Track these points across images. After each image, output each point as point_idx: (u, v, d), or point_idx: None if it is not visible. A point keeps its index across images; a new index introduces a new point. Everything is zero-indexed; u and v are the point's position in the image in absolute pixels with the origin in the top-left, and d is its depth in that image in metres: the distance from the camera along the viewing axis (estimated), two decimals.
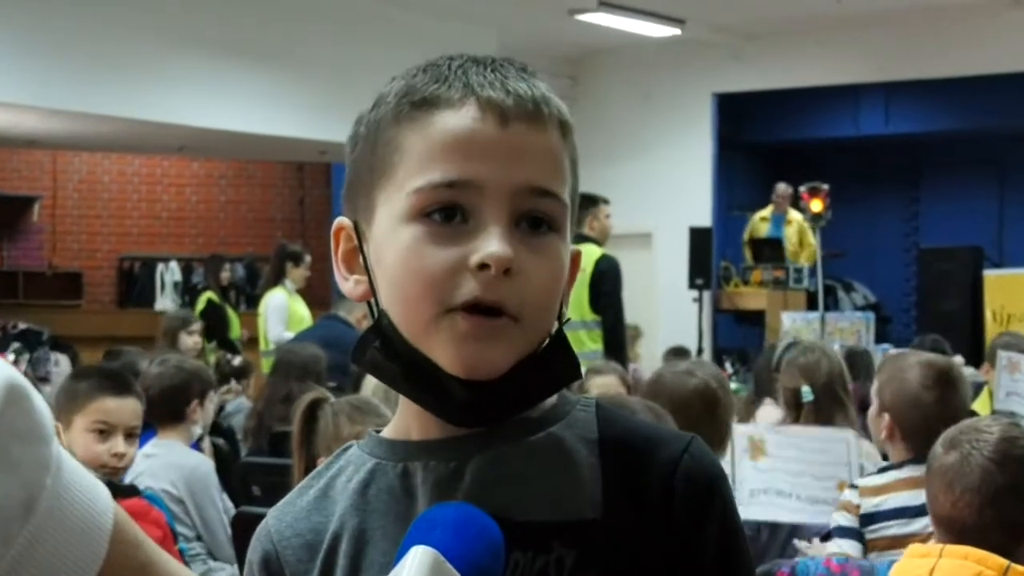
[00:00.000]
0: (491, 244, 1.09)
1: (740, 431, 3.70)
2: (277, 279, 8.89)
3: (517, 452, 1.15)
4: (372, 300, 1.18)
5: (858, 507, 3.35)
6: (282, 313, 8.66)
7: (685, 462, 1.14)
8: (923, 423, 3.25)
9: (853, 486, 3.41)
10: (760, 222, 12.14)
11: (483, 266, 1.09)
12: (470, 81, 1.14)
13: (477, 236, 1.11)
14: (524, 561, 1.11)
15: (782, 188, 11.70)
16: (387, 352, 1.15)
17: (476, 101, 1.13)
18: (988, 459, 2.42)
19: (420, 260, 1.11)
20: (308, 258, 9.04)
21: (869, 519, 3.32)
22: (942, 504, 2.46)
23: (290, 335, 8.42)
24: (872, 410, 3.48)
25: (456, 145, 1.12)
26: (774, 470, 3.64)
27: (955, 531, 2.42)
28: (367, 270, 1.18)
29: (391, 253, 1.14)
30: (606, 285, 7.49)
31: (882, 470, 3.45)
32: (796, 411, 4.20)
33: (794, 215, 11.59)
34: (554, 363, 1.16)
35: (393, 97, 1.17)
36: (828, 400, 4.12)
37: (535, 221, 1.13)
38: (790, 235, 11.73)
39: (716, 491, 1.15)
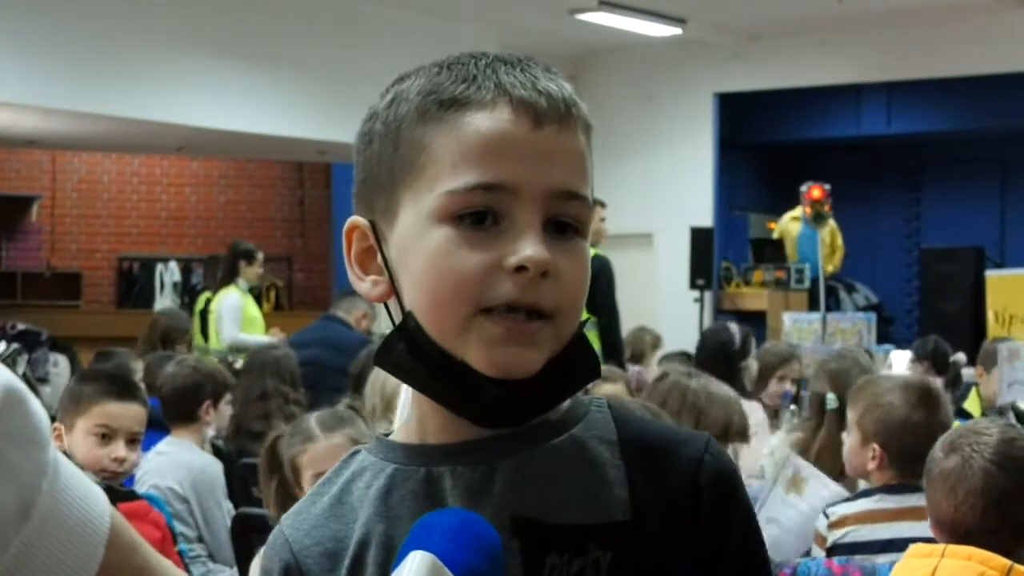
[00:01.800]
0: (528, 247, 1.09)
1: (796, 461, 3.62)
2: (230, 278, 8.79)
3: (543, 455, 1.15)
4: (393, 301, 1.17)
5: (825, 539, 3.29)
6: (237, 313, 8.58)
7: (708, 462, 1.15)
8: (913, 446, 3.15)
9: (825, 514, 3.32)
10: (791, 222, 12.01)
11: (520, 268, 1.09)
12: (501, 81, 1.13)
13: (511, 238, 1.10)
14: (560, 564, 1.10)
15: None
16: (414, 353, 1.14)
17: (509, 102, 1.12)
18: (989, 461, 2.41)
19: (452, 261, 1.10)
20: (261, 256, 9.01)
21: (831, 551, 3.24)
22: (944, 509, 2.44)
23: (245, 336, 8.40)
24: (853, 442, 3.33)
25: (490, 147, 1.11)
26: (793, 508, 3.58)
27: (958, 535, 2.41)
28: (388, 271, 1.17)
29: (419, 254, 1.13)
30: (600, 285, 7.48)
31: (857, 496, 3.37)
32: (819, 416, 4.12)
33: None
34: (577, 362, 1.16)
35: (416, 95, 1.15)
36: None
37: (563, 224, 1.13)
38: (823, 236, 11.52)
39: (738, 490, 1.17)
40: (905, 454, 3.21)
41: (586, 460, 1.15)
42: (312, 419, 3.03)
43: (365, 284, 1.19)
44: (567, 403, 1.18)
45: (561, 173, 1.13)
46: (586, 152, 1.16)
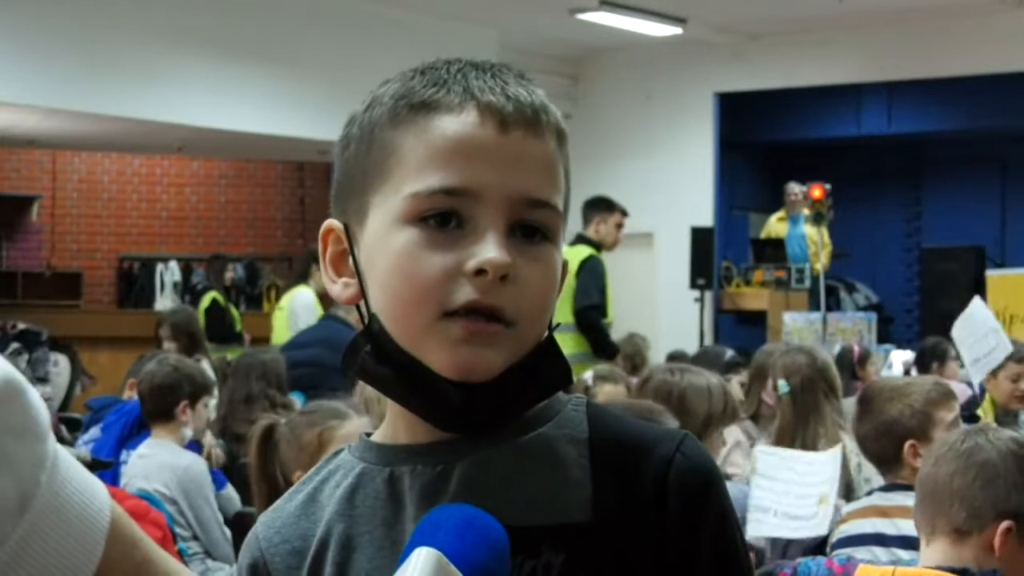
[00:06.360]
0: (488, 250, 1.08)
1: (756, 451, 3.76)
2: (303, 279, 8.89)
3: (505, 454, 1.13)
4: (362, 304, 1.17)
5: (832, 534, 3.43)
6: (312, 312, 8.64)
7: (678, 461, 1.13)
8: (863, 446, 3.38)
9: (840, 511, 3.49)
10: (777, 223, 11.99)
11: (480, 272, 1.08)
12: (470, 85, 1.13)
13: (473, 242, 1.10)
14: (513, 566, 1.08)
15: (794, 187, 11.47)
16: (378, 357, 1.14)
17: (476, 106, 1.12)
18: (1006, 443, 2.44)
19: (415, 264, 1.10)
20: None
21: (833, 546, 3.35)
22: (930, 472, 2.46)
23: None
24: None
25: (456, 150, 1.11)
26: (760, 488, 3.71)
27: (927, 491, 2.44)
28: (358, 273, 1.16)
29: (384, 257, 1.12)
30: (591, 283, 7.50)
31: (863, 496, 3.55)
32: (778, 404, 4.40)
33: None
34: (545, 369, 1.15)
35: (389, 99, 1.15)
36: (806, 396, 4.22)
37: (530, 230, 1.12)
38: (811, 234, 11.52)
39: (711, 490, 1.14)
40: (866, 456, 3.40)
41: (549, 459, 1.13)
42: (339, 403, 2.97)
43: (337, 287, 1.19)
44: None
45: (527, 179, 1.12)
46: (557, 159, 1.15)
